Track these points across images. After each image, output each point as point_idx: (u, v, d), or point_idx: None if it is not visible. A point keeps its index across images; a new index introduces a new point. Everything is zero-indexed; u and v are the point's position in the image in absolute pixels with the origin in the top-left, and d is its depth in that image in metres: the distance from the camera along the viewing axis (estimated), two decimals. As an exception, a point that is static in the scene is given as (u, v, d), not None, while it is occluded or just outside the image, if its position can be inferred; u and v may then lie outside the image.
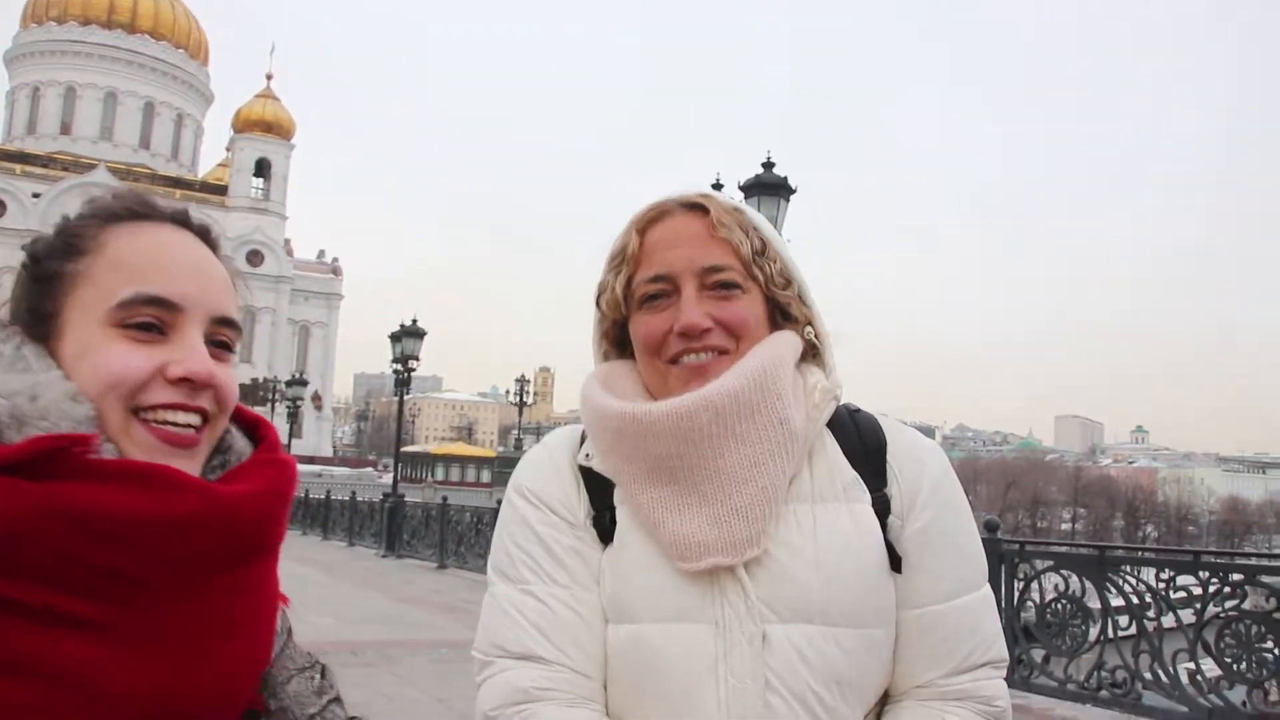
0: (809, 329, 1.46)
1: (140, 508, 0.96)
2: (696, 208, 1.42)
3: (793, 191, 14.58)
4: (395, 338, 26.40)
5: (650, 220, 1.44)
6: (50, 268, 1.08)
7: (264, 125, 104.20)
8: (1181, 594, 7.38)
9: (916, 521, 1.38)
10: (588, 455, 1.43)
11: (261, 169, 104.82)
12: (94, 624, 0.94)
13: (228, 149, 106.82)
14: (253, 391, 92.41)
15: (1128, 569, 7.76)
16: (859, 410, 1.48)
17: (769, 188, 14.37)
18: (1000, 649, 1.41)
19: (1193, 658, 7.02)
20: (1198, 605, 7.09)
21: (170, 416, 1.05)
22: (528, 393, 53.74)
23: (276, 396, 60.76)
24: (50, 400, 0.99)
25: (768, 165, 14.56)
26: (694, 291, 1.37)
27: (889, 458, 1.42)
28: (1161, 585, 7.50)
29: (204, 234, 1.17)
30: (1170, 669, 7.11)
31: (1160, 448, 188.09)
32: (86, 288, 1.06)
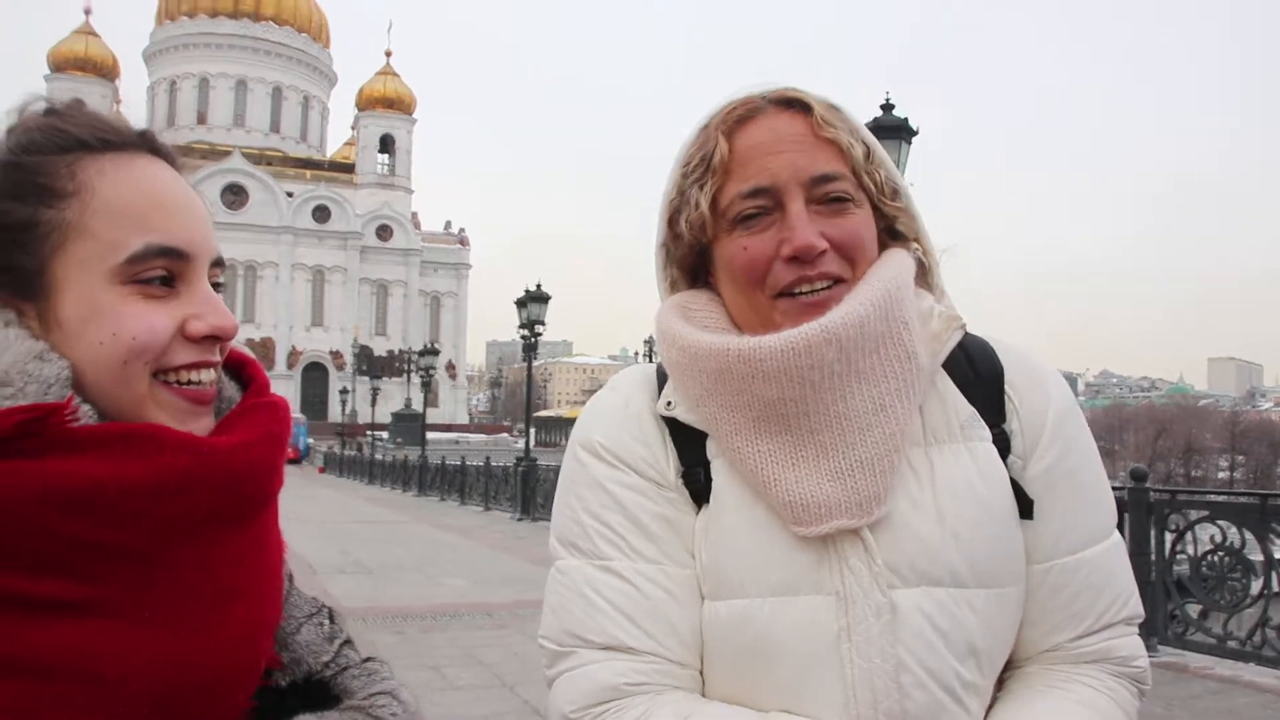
0: (916, 246, 1.26)
1: (128, 474, 0.87)
2: (793, 104, 1.20)
3: (914, 133, 13.86)
4: (521, 303, 26.61)
5: (738, 120, 1.20)
6: (19, 213, 0.93)
7: (386, 102, 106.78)
8: None
9: (1041, 460, 1.21)
10: (670, 404, 1.22)
11: (386, 145, 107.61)
12: (85, 605, 0.86)
13: (352, 127, 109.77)
14: (389, 363, 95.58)
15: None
16: (968, 335, 1.28)
17: (889, 130, 13.54)
18: (1135, 604, 1.24)
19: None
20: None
21: (192, 376, 0.97)
22: (655, 354, 53.82)
23: (411, 367, 62.31)
24: (10, 363, 0.88)
25: (886, 107, 13.85)
26: (802, 206, 1.15)
27: (1007, 387, 1.23)
28: None
29: (173, 160, 1.04)
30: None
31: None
32: (82, 240, 0.93)
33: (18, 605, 0.83)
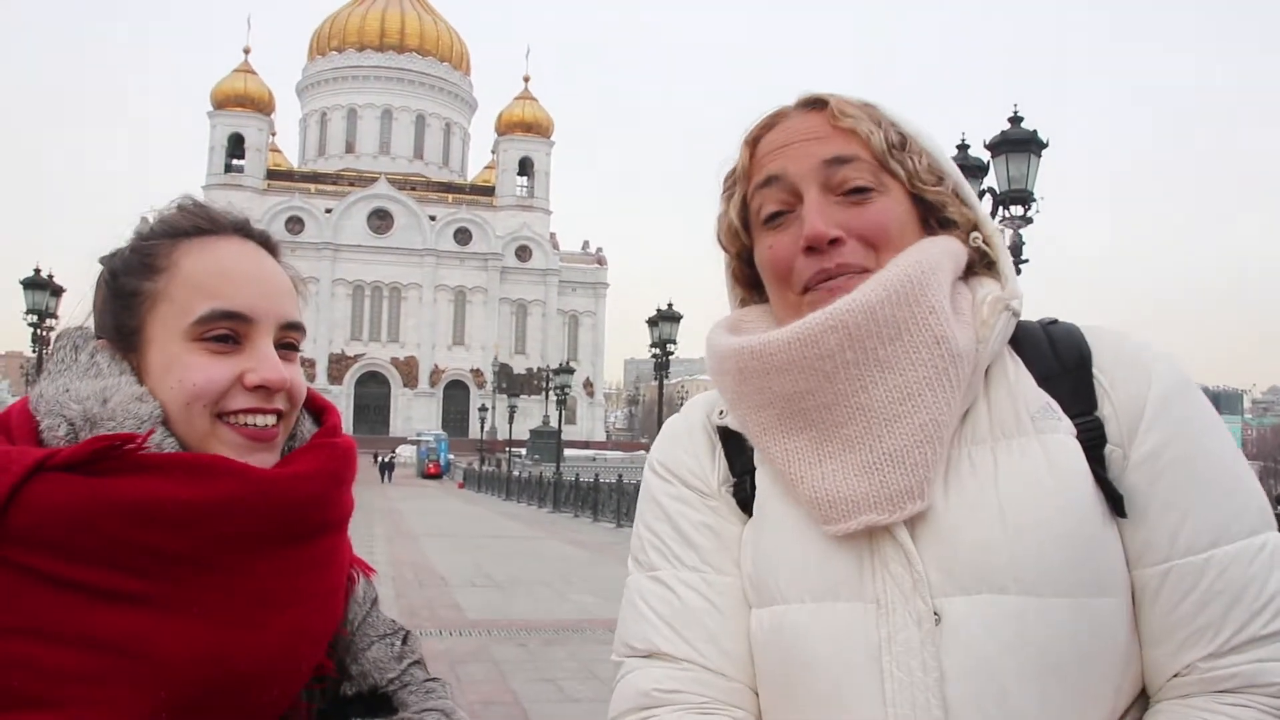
0: (975, 235, 1.19)
1: (183, 494, 1.04)
2: (814, 104, 1.19)
3: (1044, 146, 13.31)
4: (652, 322, 26.92)
5: (762, 129, 1.22)
6: (130, 285, 1.15)
7: (524, 126, 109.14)
8: None
9: (1143, 446, 1.07)
10: (721, 412, 1.23)
11: (524, 168, 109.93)
12: (144, 598, 1.02)
13: (493, 151, 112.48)
14: (528, 381, 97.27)
15: None
16: (1056, 321, 1.20)
17: (1017, 144, 13.17)
18: None
19: None
20: None
21: (250, 420, 1.14)
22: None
23: (548, 385, 63.33)
24: (118, 402, 1.09)
25: (1015, 120, 13.36)
26: (818, 195, 1.13)
27: (1095, 371, 1.12)
28: None
29: (264, 242, 1.23)
30: None
31: None
32: (165, 305, 1.13)
33: (91, 593, 1.01)
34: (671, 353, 27.17)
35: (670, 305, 26.70)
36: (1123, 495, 1.06)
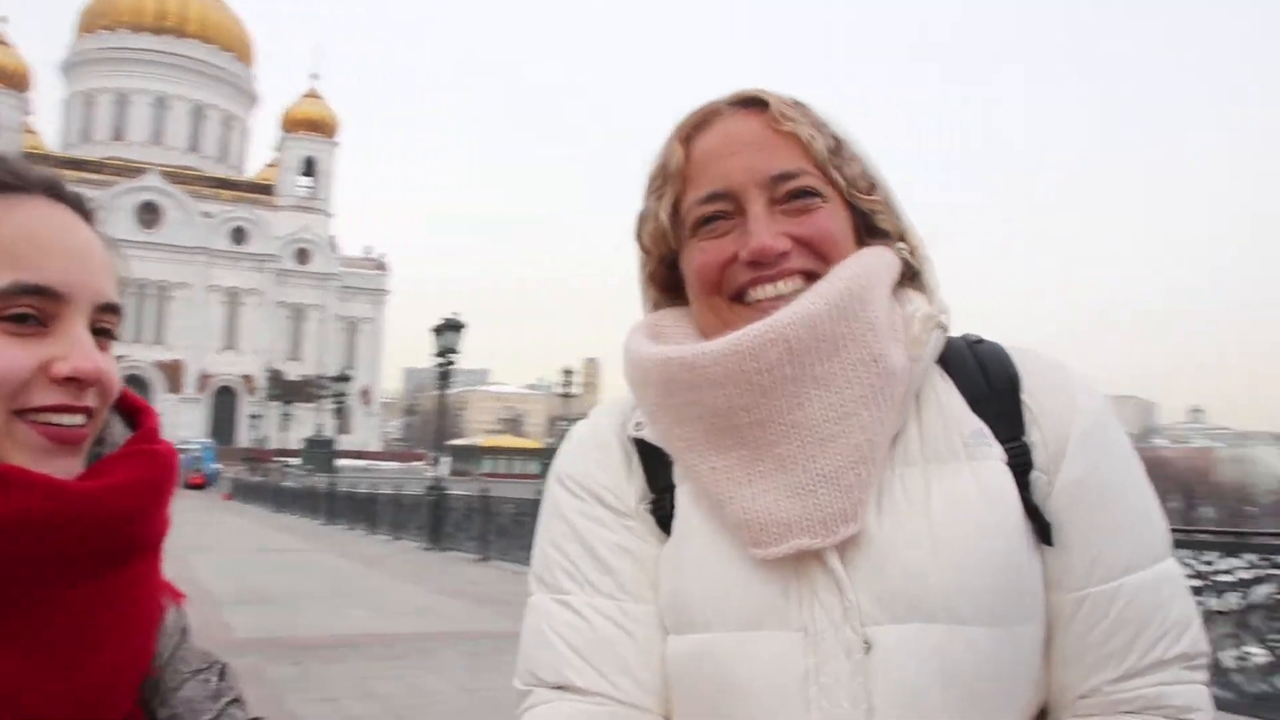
0: (902, 245, 1.15)
1: None
2: (751, 104, 1.14)
3: None
4: (437, 331, 26.54)
5: (696, 126, 1.15)
6: None
7: (310, 124, 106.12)
8: (1229, 577, 7.20)
9: (1068, 474, 1.06)
10: (638, 425, 1.15)
11: (308, 168, 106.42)
12: None
13: (275, 149, 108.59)
14: (302, 388, 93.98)
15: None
16: (981, 340, 1.16)
17: None
18: (1196, 640, 1.06)
19: (1239, 644, 6.85)
20: (1245, 589, 6.92)
21: (55, 418, 0.95)
22: (574, 383, 54.02)
23: (324, 393, 61.53)
24: None
25: None
26: (763, 208, 1.08)
27: (1024, 396, 1.10)
28: (1206, 568, 7.30)
29: (78, 205, 1.03)
30: (1215, 654, 6.92)
31: (1217, 427, 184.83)
32: None
33: None
34: (453, 362, 26.90)
35: (455, 314, 26.43)
36: (1051, 523, 1.05)
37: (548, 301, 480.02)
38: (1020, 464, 1.06)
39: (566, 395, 55.17)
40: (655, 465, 1.13)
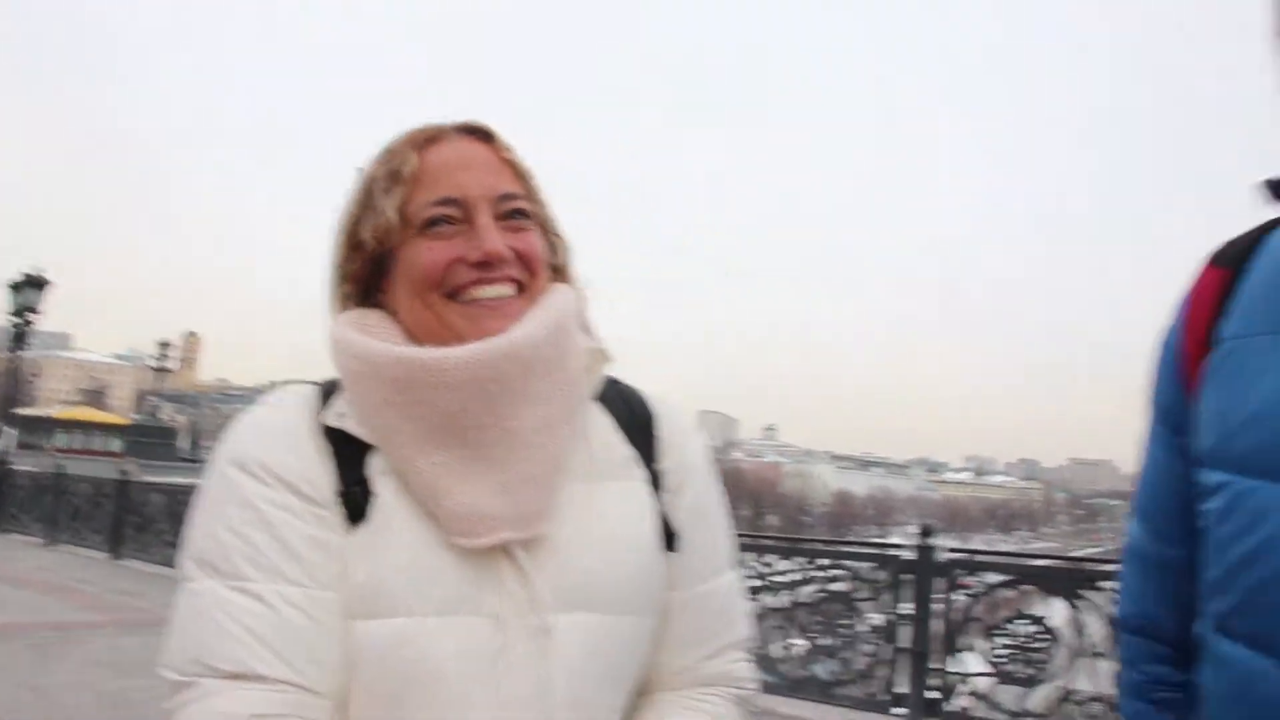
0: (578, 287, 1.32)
1: None
2: (476, 133, 1.28)
3: None
4: (15, 287, 23.87)
5: (429, 140, 1.25)
6: None
7: None
8: (784, 578, 8.03)
9: (687, 497, 1.30)
10: (341, 415, 1.19)
11: None
12: None
13: None
14: None
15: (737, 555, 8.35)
16: (618, 380, 1.34)
17: None
18: (749, 628, 1.37)
19: (786, 636, 7.73)
20: (793, 588, 7.79)
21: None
22: (171, 357, 50.20)
23: None
24: None
25: None
26: (490, 220, 1.21)
27: (659, 431, 1.32)
28: (767, 569, 8.08)
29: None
30: (767, 645, 7.78)
31: (786, 444, 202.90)
32: None
33: None
34: (31, 323, 24.30)
35: (38, 270, 23.88)
36: (678, 535, 1.27)
37: (144, 267, 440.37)
38: (655, 486, 1.28)
39: (161, 369, 51.18)
40: (349, 456, 1.17)
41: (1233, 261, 1.24)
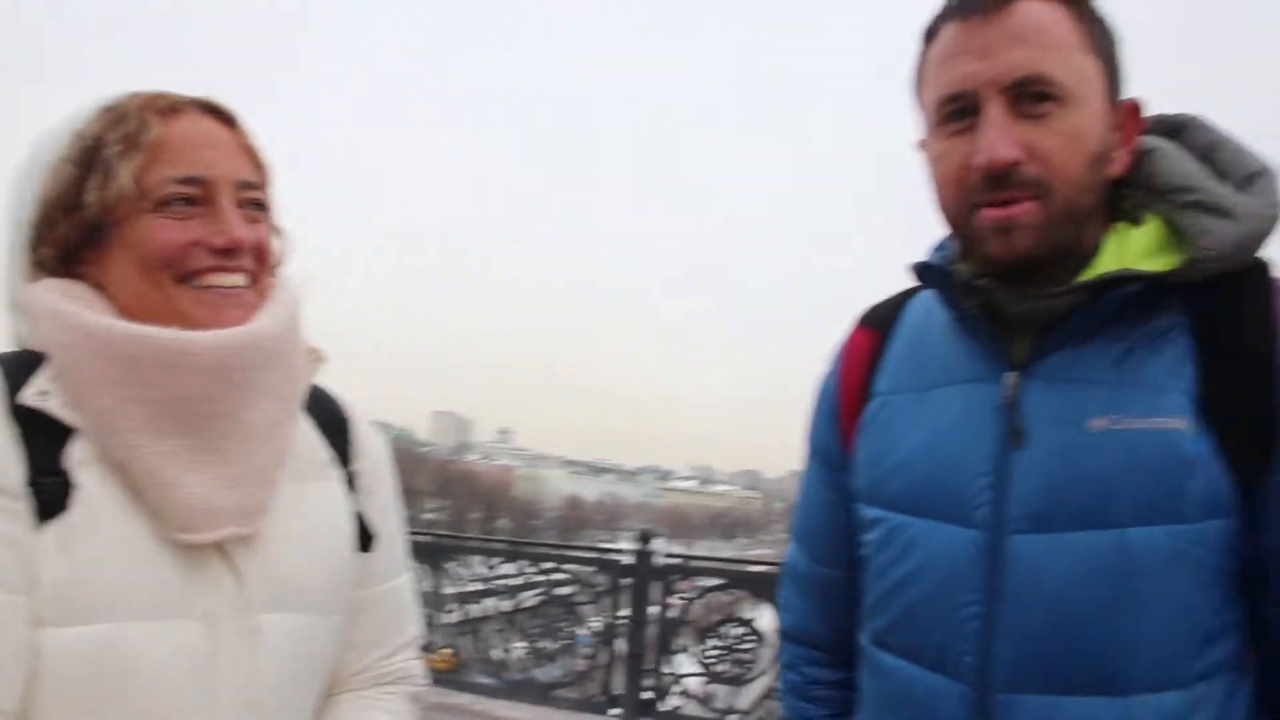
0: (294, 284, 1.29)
1: None
2: (219, 114, 1.20)
3: None
4: None
5: (170, 110, 1.16)
6: None
7: None
8: (509, 581, 8.08)
9: (377, 499, 1.33)
10: (43, 394, 1.07)
11: None
12: None
13: None
14: None
15: (460, 557, 8.31)
16: (313, 382, 1.33)
17: None
18: (420, 626, 1.41)
19: (508, 639, 7.75)
20: (516, 592, 7.85)
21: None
22: None
23: None
24: None
25: None
26: (233, 205, 1.15)
27: (353, 435, 1.34)
28: (491, 573, 8.15)
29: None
30: (489, 649, 7.76)
31: (521, 448, 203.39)
32: None
33: None
34: None
35: None
36: (373, 535, 1.30)
37: None
38: (350, 487, 1.29)
39: None
40: (42, 442, 1.06)
41: (880, 324, 1.40)
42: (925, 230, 1.34)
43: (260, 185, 1.21)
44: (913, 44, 1.25)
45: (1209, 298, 1.15)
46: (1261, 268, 1.16)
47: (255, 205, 1.20)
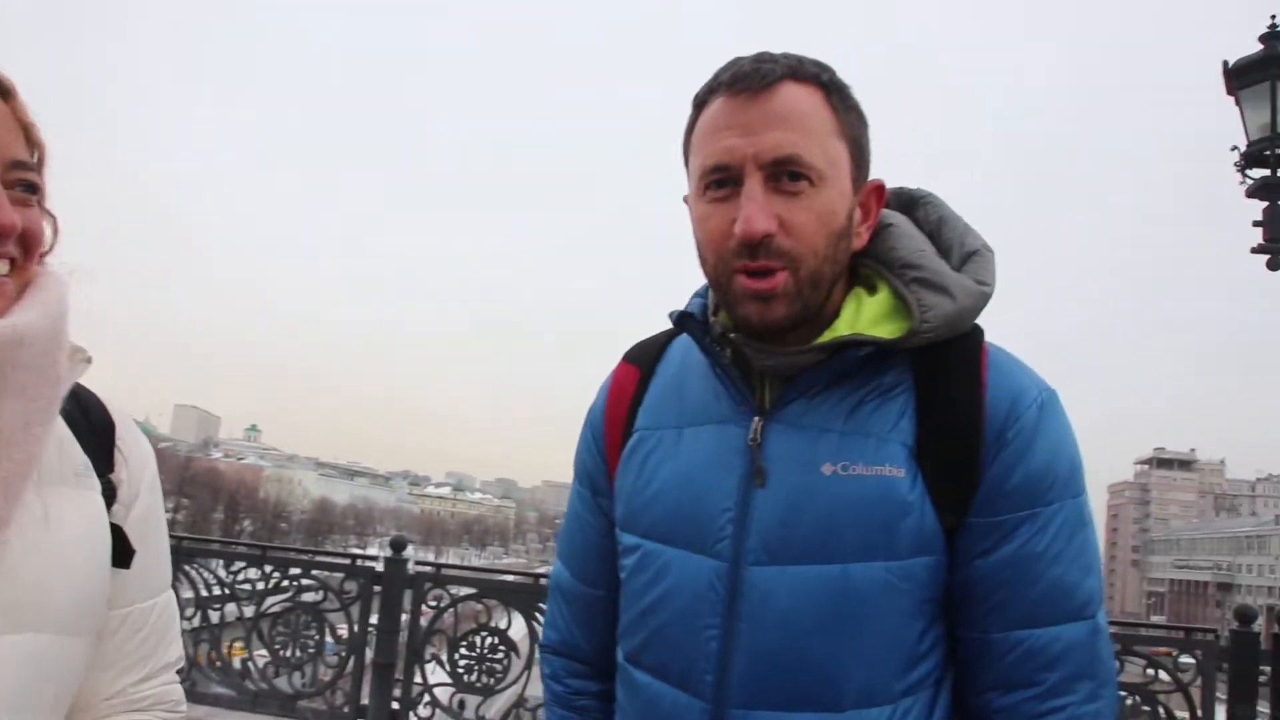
0: (72, 273, 1.20)
1: None
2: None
3: None
4: None
5: None
6: None
7: None
8: (252, 586, 7.79)
9: (138, 510, 1.24)
10: None
11: None
12: None
13: None
14: None
15: (200, 560, 7.95)
16: (78, 386, 1.23)
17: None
18: (180, 648, 1.33)
19: (248, 646, 7.47)
20: (260, 598, 7.57)
21: None
22: None
23: None
24: None
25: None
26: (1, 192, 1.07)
27: (118, 441, 1.25)
28: (230, 577, 7.83)
29: None
30: (227, 657, 7.48)
31: (270, 447, 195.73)
32: None
33: None
34: None
35: None
36: (135, 551, 1.20)
37: None
38: (110, 497, 1.21)
39: None
40: None
41: (642, 362, 1.52)
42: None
43: (33, 166, 1.12)
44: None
45: (929, 360, 1.32)
46: (975, 335, 1.36)
47: (26, 187, 1.10)
